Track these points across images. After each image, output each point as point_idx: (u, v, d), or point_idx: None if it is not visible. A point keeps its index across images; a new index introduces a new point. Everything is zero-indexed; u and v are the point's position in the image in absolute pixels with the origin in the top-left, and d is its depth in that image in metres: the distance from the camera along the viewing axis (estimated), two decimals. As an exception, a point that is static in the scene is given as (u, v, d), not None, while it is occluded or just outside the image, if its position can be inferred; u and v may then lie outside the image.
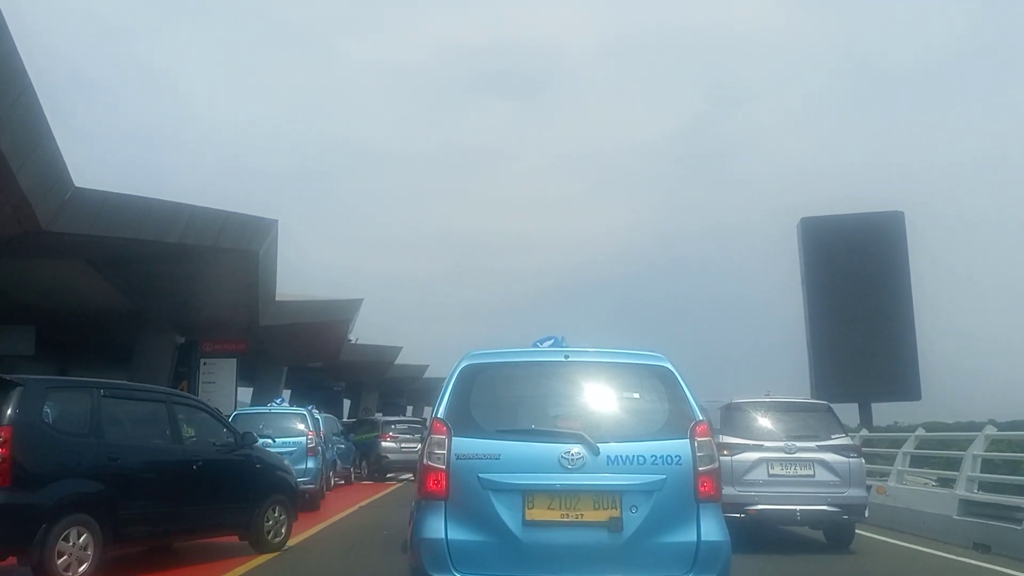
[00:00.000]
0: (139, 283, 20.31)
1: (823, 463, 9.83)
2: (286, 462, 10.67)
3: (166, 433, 8.38)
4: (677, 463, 4.89)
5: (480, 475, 4.84)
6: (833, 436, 10.17)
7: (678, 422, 5.03)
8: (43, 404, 7.21)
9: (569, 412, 5.23)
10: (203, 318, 24.08)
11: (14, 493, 6.67)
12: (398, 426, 24.88)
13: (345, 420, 34.10)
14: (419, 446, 25.41)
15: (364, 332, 40.45)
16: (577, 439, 4.88)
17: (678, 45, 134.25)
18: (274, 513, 9.32)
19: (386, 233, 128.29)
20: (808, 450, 9.88)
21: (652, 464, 4.87)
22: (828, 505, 9.66)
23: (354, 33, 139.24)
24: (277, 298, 25.16)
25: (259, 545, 9.14)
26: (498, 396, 5.39)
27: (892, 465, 12.41)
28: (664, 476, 4.84)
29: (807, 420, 10.48)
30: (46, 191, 12.56)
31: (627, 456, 4.88)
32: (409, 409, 64.10)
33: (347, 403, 56.32)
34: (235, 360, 24.48)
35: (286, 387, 41.30)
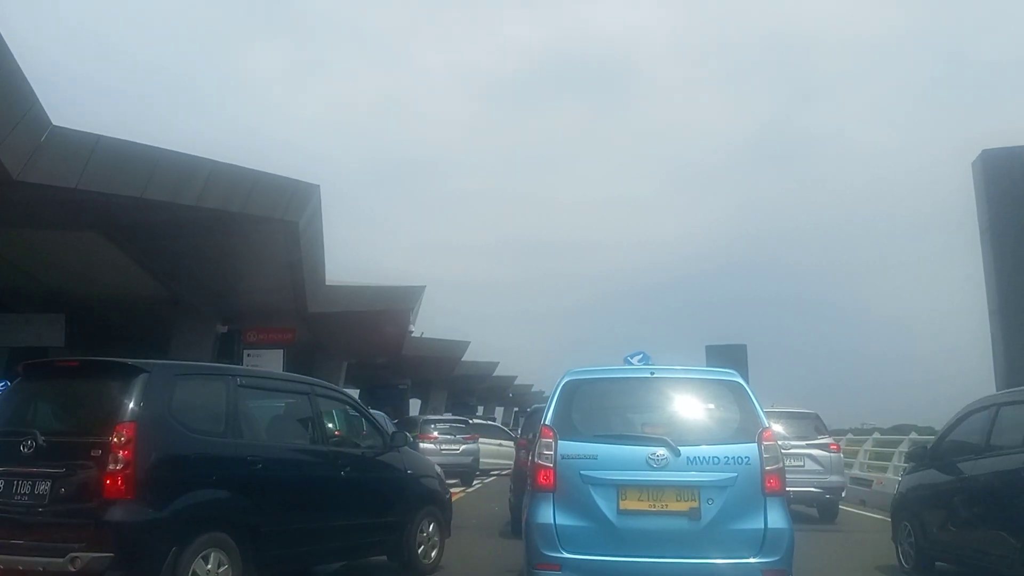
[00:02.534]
0: (167, 262, 17.92)
1: (810, 456, 13.07)
2: (437, 468, 9.27)
3: (309, 432, 7.24)
4: (747, 463, 5.70)
5: (581, 472, 5.76)
6: (819, 437, 13.53)
7: (747, 428, 5.86)
8: (172, 395, 6.03)
9: (655, 420, 6.09)
10: (245, 304, 21.68)
11: (139, 508, 5.53)
12: (439, 426, 22.02)
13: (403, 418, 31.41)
14: (461, 447, 22.99)
15: (432, 333, 38.17)
16: (661, 442, 5.76)
17: (755, 44, 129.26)
18: (427, 529, 8.21)
19: (457, 238, 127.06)
20: (799, 447, 13.00)
21: (725, 464, 5.69)
22: (814, 487, 12.85)
23: (427, 39, 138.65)
24: (330, 284, 22.68)
25: (411, 567, 8.00)
26: (595, 406, 6.24)
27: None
28: (736, 474, 5.67)
29: (799, 424, 13.67)
30: (10, 128, 10.01)
31: (704, 457, 5.71)
32: (480, 409, 61.64)
33: (418, 403, 54.12)
34: (281, 351, 21.99)
35: (349, 384, 39.06)
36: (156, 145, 12.59)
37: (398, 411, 35.31)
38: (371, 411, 18.53)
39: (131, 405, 5.67)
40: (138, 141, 12.42)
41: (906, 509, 8.75)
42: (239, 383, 6.61)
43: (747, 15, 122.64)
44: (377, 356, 33.82)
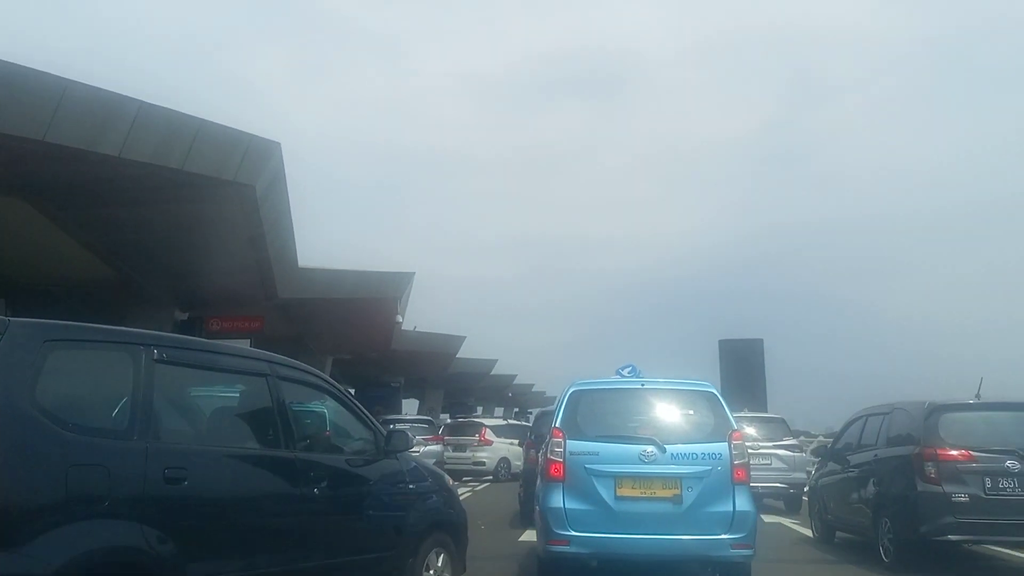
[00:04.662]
0: (108, 235, 15.62)
1: (777, 456, 15.01)
2: (448, 479, 7.18)
3: (267, 431, 5.12)
4: (719, 458, 6.95)
5: (586, 465, 6.97)
6: (784, 438, 15.62)
7: (720, 430, 7.13)
8: (38, 372, 3.88)
9: (645, 423, 7.35)
10: (206, 288, 19.36)
11: None
12: (398, 427, 19.95)
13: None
14: (421, 450, 21.91)
15: (429, 329, 35.94)
16: (650, 441, 7.00)
17: (757, 43, 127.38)
18: (435, 564, 6.25)
19: (460, 237, 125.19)
20: (768, 447, 14.99)
21: (702, 459, 6.95)
22: (780, 483, 14.86)
23: (433, 41, 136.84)
24: (304, 267, 20.35)
25: None
26: (596, 411, 7.52)
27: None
28: (710, 467, 6.92)
29: (768, 427, 15.83)
30: None
31: (685, 453, 6.98)
32: (479, 409, 59.37)
33: (415, 403, 51.83)
34: (248, 341, 19.55)
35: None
36: (64, 76, 10.20)
37: (391, 412, 32.96)
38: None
39: None
40: (45, 70, 10.06)
41: (816, 493, 11.53)
42: (156, 357, 4.42)
43: (749, 14, 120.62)
44: (364, 350, 31.38)
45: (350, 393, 6.29)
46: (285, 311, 22.76)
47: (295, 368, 5.65)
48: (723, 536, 6.77)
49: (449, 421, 38.18)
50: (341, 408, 5.95)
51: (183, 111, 11.92)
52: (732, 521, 6.79)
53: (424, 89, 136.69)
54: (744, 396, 31.35)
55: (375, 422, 6.17)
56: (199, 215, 14.93)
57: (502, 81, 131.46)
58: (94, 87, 10.52)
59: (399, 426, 19.14)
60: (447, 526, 6.50)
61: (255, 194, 14.09)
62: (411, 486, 6.16)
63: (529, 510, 9.39)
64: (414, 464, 6.50)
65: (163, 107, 11.62)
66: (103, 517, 3.90)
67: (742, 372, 32.38)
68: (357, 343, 29.57)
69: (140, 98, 11.20)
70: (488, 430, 23.40)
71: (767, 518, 13.21)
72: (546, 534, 7.02)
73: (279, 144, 14.07)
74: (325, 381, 6.07)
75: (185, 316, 19.82)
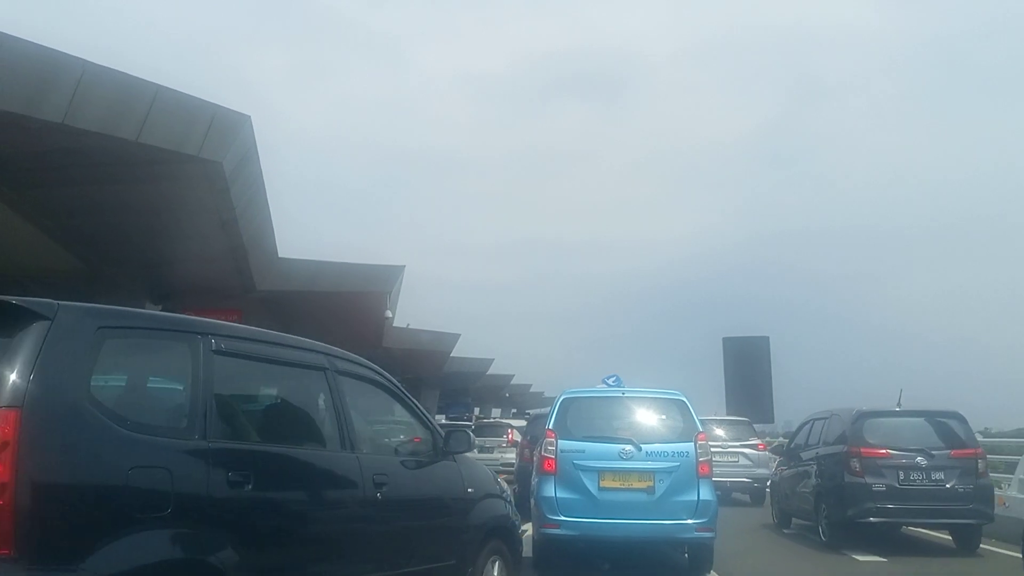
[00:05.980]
0: (69, 219, 14.51)
1: (743, 454, 17.41)
2: (501, 482, 6.87)
3: (331, 431, 4.74)
4: (686, 456, 8.28)
5: (574, 461, 8.31)
6: (750, 439, 18.04)
7: (687, 432, 8.48)
8: (92, 363, 3.49)
9: (624, 425, 8.72)
10: (180, 278, 18.23)
11: (24, 571, 3.02)
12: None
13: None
14: None
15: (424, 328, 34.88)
16: (628, 441, 8.35)
17: (759, 45, 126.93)
18: (491, 573, 5.87)
19: (462, 239, 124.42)
20: (735, 446, 17.38)
21: (672, 456, 8.27)
22: (745, 478, 17.22)
23: (433, 41, 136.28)
24: (284, 258, 19.20)
25: None
26: (583, 415, 8.85)
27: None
28: (679, 463, 8.25)
29: (735, 428, 18.37)
30: None
31: (658, 451, 8.31)
32: (476, 409, 58.20)
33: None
34: (225, 336, 18.38)
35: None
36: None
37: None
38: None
39: (12, 378, 3.22)
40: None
41: (776, 485, 13.66)
42: (214, 348, 4.08)
43: (750, 16, 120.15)
44: (354, 347, 30.13)
45: (406, 389, 5.69)
46: (266, 305, 21.61)
47: (352, 361, 5.23)
48: (689, 521, 8.16)
49: (445, 421, 37.19)
50: (400, 405, 5.64)
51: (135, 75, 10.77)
52: (697, 508, 8.18)
53: (424, 89, 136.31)
54: (748, 396, 29.86)
55: (432, 420, 5.85)
56: (164, 196, 13.79)
57: (502, 81, 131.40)
58: (28, 42, 9.36)
59: None
60: (503, 533, 6.22)
61: (223, 172, 12.91)
62: (470, 490, 5.83)
63: (523, 504, 10.42)
64: (472, 466, 6.15)
65: (113, 69, 10.45)
66: (165, 526, 3.55)
67: (747, 371, 31.02)
68: (346, 340, 28.28)
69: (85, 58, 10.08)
70: (515, 431, 23.19)
71: (734, 509, 15.23)
72: (540, 519, 8.44)
73: (249, 117, 12.89)
74: (380, 375, 5.58)
75: (158, 309, 18.64)
